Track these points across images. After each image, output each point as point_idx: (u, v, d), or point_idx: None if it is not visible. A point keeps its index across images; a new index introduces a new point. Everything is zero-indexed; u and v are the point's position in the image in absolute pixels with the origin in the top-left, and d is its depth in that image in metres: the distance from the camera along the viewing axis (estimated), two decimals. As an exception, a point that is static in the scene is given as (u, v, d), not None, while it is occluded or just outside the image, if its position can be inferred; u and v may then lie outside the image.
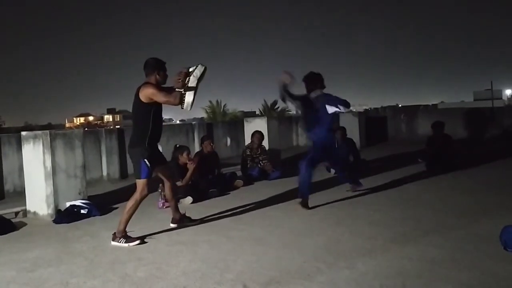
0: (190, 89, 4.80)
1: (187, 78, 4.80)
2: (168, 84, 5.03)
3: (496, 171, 8.23)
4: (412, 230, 4.78)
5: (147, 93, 4.81)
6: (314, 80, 6.30)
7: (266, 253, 4.26)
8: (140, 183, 4.87)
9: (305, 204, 5.91)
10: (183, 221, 5.42)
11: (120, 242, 4.78)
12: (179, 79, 4.75)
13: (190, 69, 4.84)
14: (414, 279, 3.47)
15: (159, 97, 4.79)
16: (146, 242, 4.83)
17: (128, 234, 4.86)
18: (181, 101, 4.79)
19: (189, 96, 4.80)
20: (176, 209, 5.40)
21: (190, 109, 4.86)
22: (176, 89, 4.77)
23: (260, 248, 4.41)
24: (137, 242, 4.77)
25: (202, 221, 5.55)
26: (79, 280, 3.83)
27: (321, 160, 6.67)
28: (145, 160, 4.84)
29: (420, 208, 5.75)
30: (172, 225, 5.38)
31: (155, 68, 4.95)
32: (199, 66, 4.87)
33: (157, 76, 4.93)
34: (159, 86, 4.88)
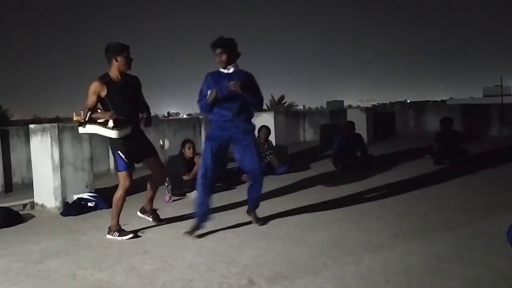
0: (92, 124, 4.64)
1: (100, 124, 4.60)
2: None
3: (505, 168, 8.17)
4: (419, 226, 4.76)
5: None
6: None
7: (272, 247, 4.26)
8: (120, 175, 4.80)
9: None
10: (150, 215, 5.29)
11: (113, 235, 4.80)
12: (105, 116, 4.59)
13: (105, 133, 4.64)
14: (421, 275, 3.46)
15: (87, 98, 4.66)
16: (139, 236, 4.84)
17: (122, 227, 4.88)
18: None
19: (89, 128, 4.67)
20: (150, 200, 5.24)
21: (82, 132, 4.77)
22: (91, 121, 4.62)
23: (266, 243, 4.41)
24: (130, 236, 4.78)
25: (168, 221, 5.38)
26: (86, 272, 3.85)
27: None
28: (119, 152, 4.72)
29: (427, 204, 5.72)
30: (139, 214, 5.29)
31: (113, 53, 4.65)
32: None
33: (116, 62, 4.65)
34: (93, 92, 4.63)
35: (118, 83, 4.72)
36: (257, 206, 5.19)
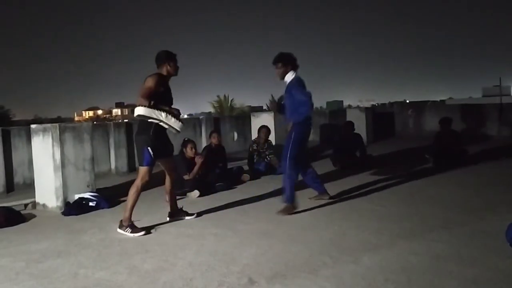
0: (160, 116, 4.83)
1: (168, 114, 4.85)
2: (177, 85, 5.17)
3: (504, 168, 8.19)
4: (418, 225, 4.79)
5: (145, 84, 4.90)
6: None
7: (272, 246, 4.29)
8: (142, 170, 4.97)
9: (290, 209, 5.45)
10: (180, 215, 5.47)
11: (126, 231, 4.86)
12: (169, 109, 4.86)
13: (172, 124, 4.88)
14: (420, 274, 3.48)
15: (141, 91, 4.83)
16: (151, 233, 4.89)
17: (134, 224, 4.92)
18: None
19: (155, 112, 4.83)
20: (173, 202, 5.46)
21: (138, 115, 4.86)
22: (159, 109, 4.81)
23: (266, 242, 4.43)
24: (142, 233, 4.84)
25: (198, 214, 5.59)
26: (87, 272, 3.88)
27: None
28: (148, 148, 4.91)
29: (427, 203, 5.74)
30: (169, 219, 5.42)
31: (165, 60, 5.07)
32: (177, 127, 4.94)
33: (168, 67, 5.07)
34: (157, 83, 4.88)
35: (168, 83, 5.16)
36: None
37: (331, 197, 6.01)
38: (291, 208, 5.43)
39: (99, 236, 4.92)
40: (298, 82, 5.56)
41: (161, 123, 4.85)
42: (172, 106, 5.01)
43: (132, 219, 4.96)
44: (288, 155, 5.45)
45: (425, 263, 3.69)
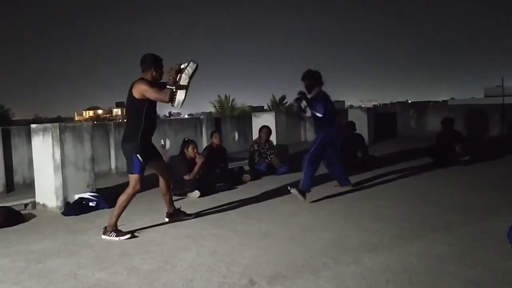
0: (181, 87, 4.76)
1: (179, 75, 4.75)
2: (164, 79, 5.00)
3: (505, 169, 8.17)
4: (419, 226, 4.77)
5: (140, 89, 4.78)
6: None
7: (273, 247, 4.27)
8: (133, 178, 4.87)
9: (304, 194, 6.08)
10: (178, 215, 5.43)
11: (110, 236, 4.81)
12: (171, 76, 4.72)
13: (182, 66, 4.79)
14: (421, 275, 3.46)
15: (151, 94, 4.76)
16: (136, 237, 4.85)
17: (118, 228, 4.89)
18: (172, 99, 4.75)
19: (180, 94, 4.77)
20: (170, 203, 5.40)
21: (181, 107, 4.85)
22: (168, 86, 4.73)
23: (267, 243, 4.42)
24: (128, 236, 4.80)
25: (199, 215, 5.57)
26: (87, 272, 3.86)
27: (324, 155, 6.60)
28: (137, 155, 4.82)
29: (428, 204, 5.72)
30: (166, 220, 5.39)
31: (152, 64, 4.91)
32: (191, 63, 4.82)
33: (153, 72, 4.90)
34: (152, 83, 4.83)
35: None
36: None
37: (353, 185, 6.91)
38: (303, 193, 6.03)
39: (99, 236, 4.90)
40: (320, 97, 6.39)
41: (190, 76, 4.76)
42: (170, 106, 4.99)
43: (118, 224, 4.92)
44: (311, 152, 6.32)
45: (426, 264, 3.67)
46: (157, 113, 5.29)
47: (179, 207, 5.53)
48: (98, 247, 4.56)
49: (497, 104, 15.22)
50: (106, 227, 4.89)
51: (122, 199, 4.89)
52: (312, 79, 6.44)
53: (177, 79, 4.75)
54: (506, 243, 3.97)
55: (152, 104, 4.91)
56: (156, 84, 4.88)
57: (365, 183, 7.23)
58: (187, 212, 5.53)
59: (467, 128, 13.45)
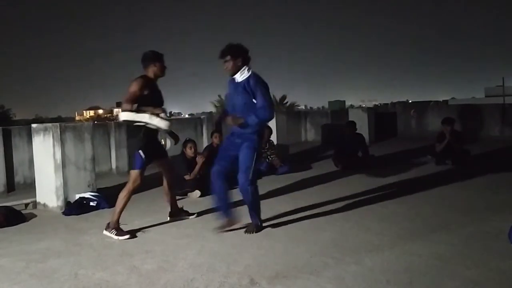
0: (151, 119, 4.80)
1: (151, 114, 4.79)
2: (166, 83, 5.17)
3: (506, 169, 8.16)
4: (420, 226, 4.77)
5: (129, 87, 4.84)
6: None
7: (273, 247, 4.27)
8: (133, 173, 4.93)
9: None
10: (180, 214, 5.45)
11: (111, 233, 4.83)
12: (155, 113, 4.79)
13: (157, 123, 4.81)
14: (422, 275, 3.46)
15: (126, 95, 4.79)
16: (136, 237, 4.84)
17: (120, 227, 4.90)
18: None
19: (138, 116, 4.81)
20: (173, 202, 5.43)
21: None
22: (141, 111, 4.76)
23: (267, 242, 4.41)
24: (127, 236, 4.79)
25: (199, 215, 5.56)
26: (87, 272, 3.86)
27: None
28: (140, 151, 4.89)
29: (429, 204, 5.72)
30: (170, 219, 5.40)
31: (152, 59, 4.99)
32: (168, 141, 5.16)
33: (154, 68, 4.98)
34: (142, 87, 4.81)
35: (155, 84, 5.06)
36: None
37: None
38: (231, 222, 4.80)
39: (99, 236, 4.90)
40: (259, 81, 4.72)
41: (147, 125, 4.81)
42: (163, 106, 4.98)
43: (120, 222, 4.93)
44: (248, 167, 4.69)
45: (427, 264, 3.67)
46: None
47: (181, 206, 5.54)
48: (99, 247, 4.56)
49: (497, 104, 15.21)
50: (108, 223, 4.92)
51: (122, 194, 4.93)
52: (236, 54, 4.68)
53: (156, 115, 4.81)
54: (506, 243, 3.98)
55: (154, 98, 4.95)
56: (146, 94, 4.85)
57: (366, 183, 7.22)
58: (190, 212, 5.54)
59: (467, 128, 13.43)
